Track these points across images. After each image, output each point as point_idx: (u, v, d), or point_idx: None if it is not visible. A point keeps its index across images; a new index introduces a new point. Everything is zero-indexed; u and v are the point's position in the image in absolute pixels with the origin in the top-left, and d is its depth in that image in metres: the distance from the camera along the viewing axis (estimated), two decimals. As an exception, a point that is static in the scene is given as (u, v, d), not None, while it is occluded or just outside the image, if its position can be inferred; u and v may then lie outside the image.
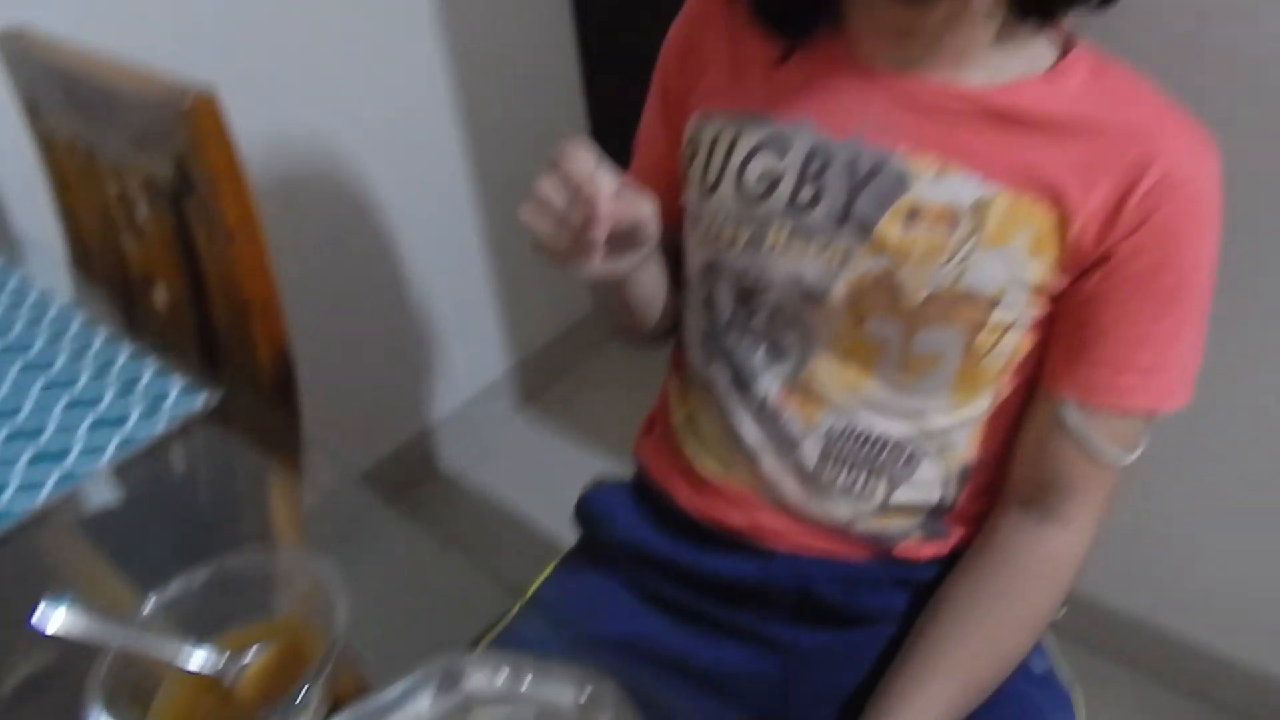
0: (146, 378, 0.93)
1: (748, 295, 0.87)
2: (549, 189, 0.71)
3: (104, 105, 1.04)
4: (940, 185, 0.77)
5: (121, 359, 0.96)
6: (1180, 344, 0.79)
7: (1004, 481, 0.88)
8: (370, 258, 1.77)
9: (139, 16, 1.32)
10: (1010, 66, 0.79)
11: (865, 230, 0.79)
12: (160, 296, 1.11)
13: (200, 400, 0.90)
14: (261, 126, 1.48)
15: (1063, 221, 0.76)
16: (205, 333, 1.08)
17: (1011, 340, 0.80)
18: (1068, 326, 0.80)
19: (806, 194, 0.82)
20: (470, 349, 2.04)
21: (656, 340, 1.02)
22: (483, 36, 1.81)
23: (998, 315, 0.78)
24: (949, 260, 0.77)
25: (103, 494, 0.84)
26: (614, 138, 1.02)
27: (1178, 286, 0.77)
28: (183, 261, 1.06)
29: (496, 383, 2.12)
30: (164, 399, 0.90)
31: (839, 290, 0.81)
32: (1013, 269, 0.77)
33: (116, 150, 1.07)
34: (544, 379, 2.21)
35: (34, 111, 1.17)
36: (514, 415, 2.16)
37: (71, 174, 1.17)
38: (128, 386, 0.92)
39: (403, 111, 1.73)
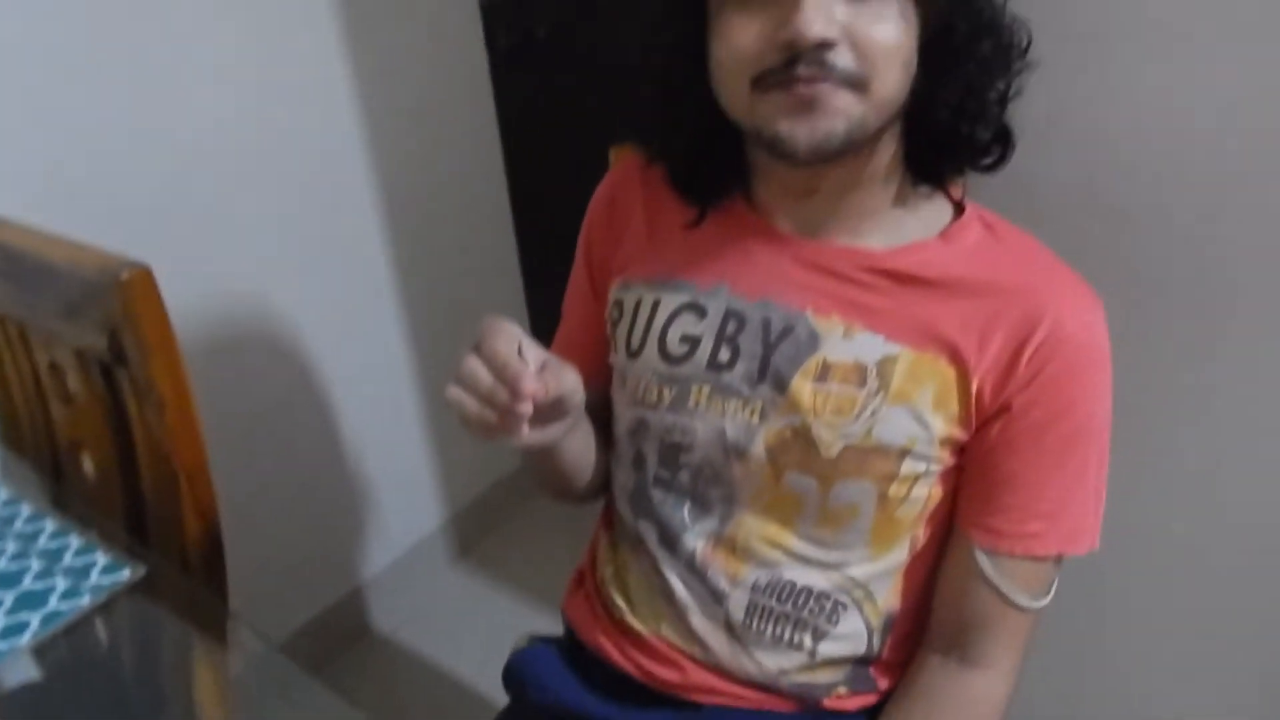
0: (70, 554, 0.92)
1: (673, 453, 0.90)
2: (473, 368, 0.73)
3: (38, 278, 1.06)
4: (848, 344, 0.82)
5: (45, 535, 0.95)
6: (1083, 489, 0.83)
7: (926, 628, 0.91)
8: (301, 417, 1.77)
9: (70, 189, 1.35)
10: (909, 229, 0.85)
11: (781, 387, 0.84)
12: (88, 465, 1.11)
13: (125, 574, 0.89)
14: (194, 293, 1.50)
15: (962, 376, 0.80)
16: (133, 502, 1.07)
17: (923, 490, 0.84)
18: (975, 475, 0.84)
19: (724, 354, 0.86)
20: (403, 504, 2.02)
21: (586, 500, 1.05)
22: (419, 204, 1.87)
23: (908, 467, 0.82)
24: (859, 415, 0.81)
25: (23, 672, 0.82)
26: (548, 305, 1.07)
27: (1074, 434, 0.81)
28: (112, 430, 1.06)
29: (429, 538, 2.10)
30: (88, 575, 0.89)
31: (758, 446, 0.85)
32: (918, 423, 0.81)
33: (50, 321, 1.08)
34: (477, 532, 2.19)
35: (-35, 284, 1.18)
36: (447, 571, 2.14)
37: (2, 345, 1.18)
38: (51, 563, 0.91)
39: (338, 272, 1.76)
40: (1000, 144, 0.84)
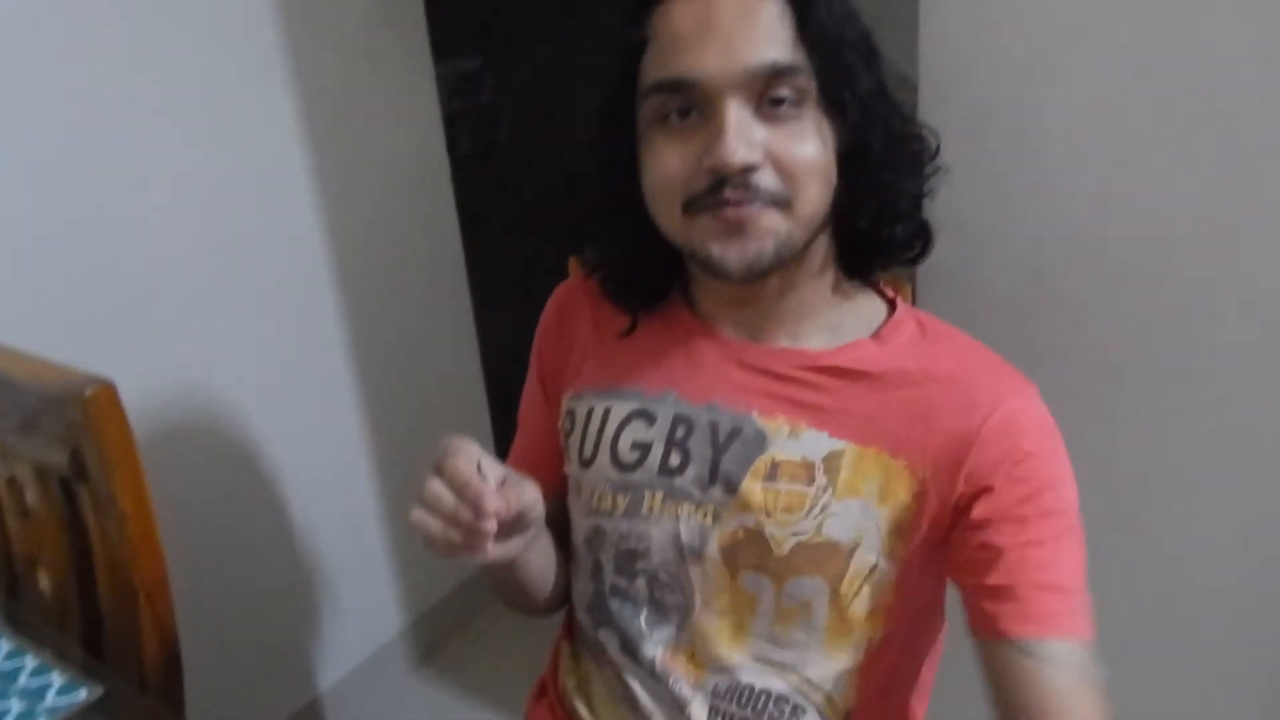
0: (25, 674, 0.91)
1: (629, 560, 0.91)
2: (436, 490, 0.74)
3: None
4: (794, 443, 0.85)
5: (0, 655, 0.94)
6: (1071, 559, 0.81)
7: None
8: (260, 521, 1.75)
9: (25, 295, 1.35)
10: (846, 328, 0.88)
11: (731, 489, 0.86)
12: (44, 582, 1.09)
13: (81, 695, 0.88)
14: (152, 398, 1.50)
15: (908, 467, 0.82)
16: (90, 619, 1.06)
17: (874, 587, 0.85)
18: (963, 566, 0.83)
19: (675, 459, 0.89)
20: (364, 609, 2.00)
21: (548, 612, 1.05)
22: (381, 309, 1.89)
23: (858, 562, 0.83)
24: (809, 512, 0.83)
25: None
26: (512, 411, 1.09)
27: (1047, 501, 0.81)
28: (70, 546, 1.05)
29: (390, 643, 2.06)
30: (43, 696, 0.88)
31: (713, 547, 0.87)
32: (866, 516, 0.83)
33: (8, 436, 1.08)
34: (439, 637, 2.16)
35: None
36: (408, 677, 2.10)
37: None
38: (5, 685, 0.89)
39: (299, 377, 1.77)
40: (920, 239, 0.90)
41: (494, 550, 0.76)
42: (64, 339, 1.13)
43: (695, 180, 0.79)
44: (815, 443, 0.85)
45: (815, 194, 0.80)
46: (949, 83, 0.86)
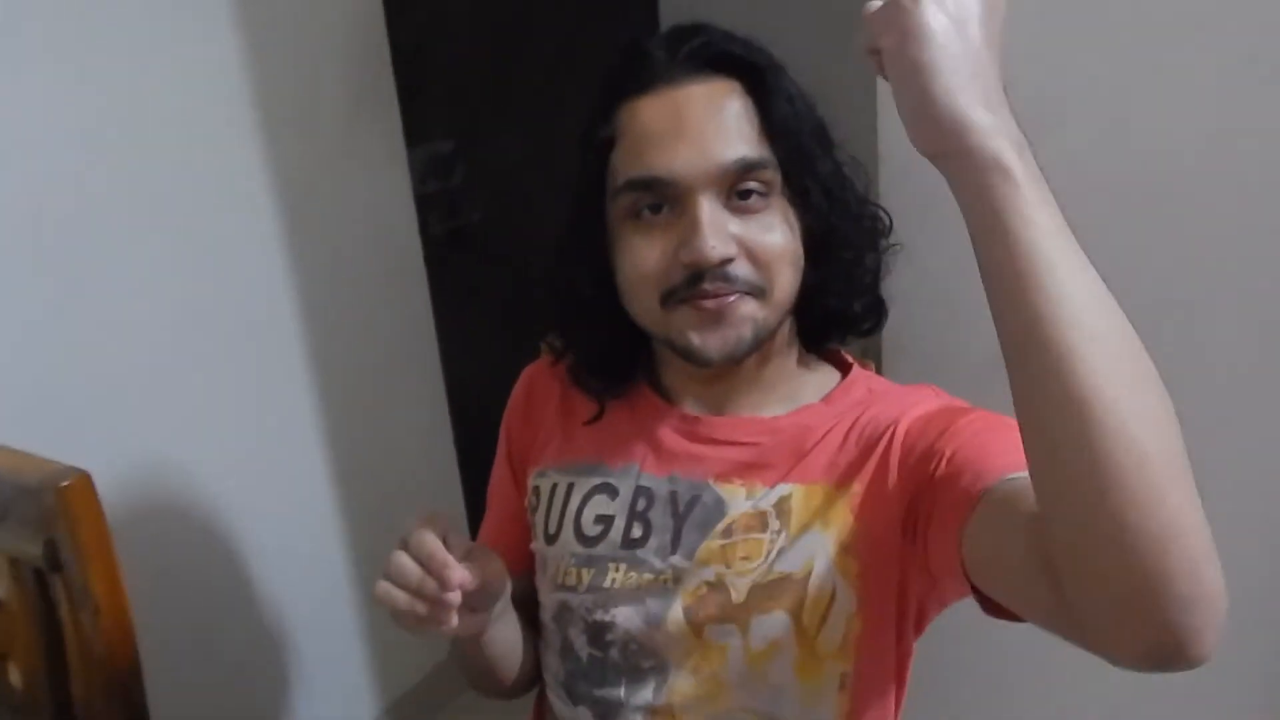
0: (-2, 771, 0.89)
1: (599, 633, 0.92)
2: (401, 562, 0.76)
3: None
4: (750, 502, 0.87)
5: (-30, 750, 0.92)
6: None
7: None
8: (234, 608, 1.73)
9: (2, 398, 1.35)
10: (803, 394, 0.92)
11: (690, 555, 0.87)
12: (15, 676, 1.08)
13: (55, 791, 0.86)
14: (125, 488, 1.49)
15: (843, 485, 0.85)
16: (62, 712, 1.04)
17: (840, 617, 0.85)
18: (939, 512, 0.78)
19: (637, 530, 0.91)
20: (338, 697, 1.96)
21: (516, 694, 1.05)
22: (355, 391, 1.90)
23: (814, 590, 0.84)
24: (767, 556, 0.85)
25: None
26: (484, 490, 1.10)
27: (970, 418, 0.80)
28: (43, 637, 1.04)
29: (365, 730, 2.03)
30: (16, 793, 0.86)
31: (677, 611, 0.88)
32: (815, 543, 0.85)
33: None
34: (416, 721, 2.13)
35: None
36: (384, 763, 2.06)
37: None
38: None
39: (273, 462, 1.77)
40: (874, 313, 0.95)
41: (460, 625, 0.78)
42: (36, 430, 1.13)
43: (672, 273, 0.83)
44: (767, 496, 0.87)
45: (787, 279, 0.85)
46: (909, 163, 0.90)
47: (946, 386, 0.94)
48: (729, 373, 0.90)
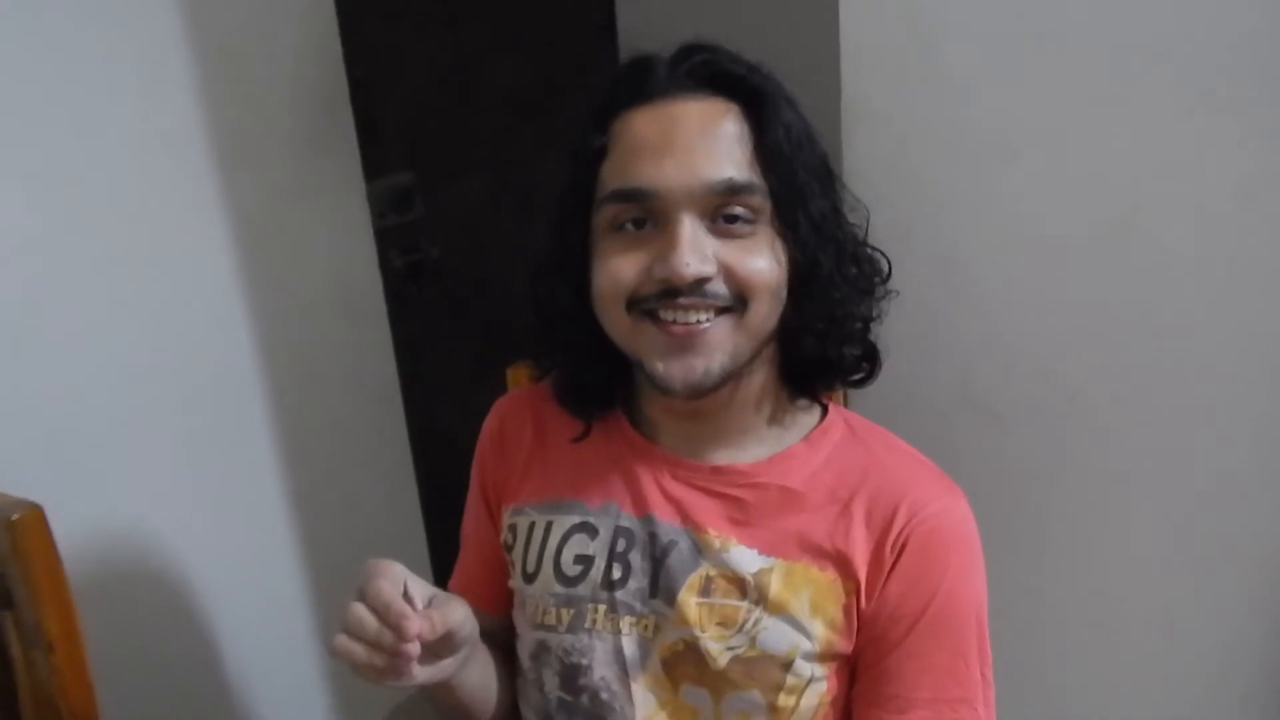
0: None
1: (573, 675, 0.90)
2: (359, 615, 0.72)
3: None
4: (726, 557, 0.85)
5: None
6: (966, 672, 0.84)
7: None
8: (191, 651, 1.69)
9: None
10: (782, 439, 0.90)
11: (670, 601, 0.86)
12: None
13: (6, 836, 0.83)
14: (81, 528, 1.45)
15: (842, 578, 0.84)
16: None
17: (812, 701, 0.85)
18: (862, 670, 0.86)
19: (617, 571, 0.89)
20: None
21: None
22: (314, 431, 1.87)
23: (793, 677, 0.84)
24: (742, 627, 0.84)
25: None
26: (448, 530, 1.07)
27: (946, 616, 0.83)
28: (-6, 678, 1.01)
29: (328, 773, 1.98)
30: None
31: (654, 660, 0.86)
32: (799, 631, 0.84)
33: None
34: (379, 764, 2.08)
35: None
36: (347, 808, 2.01)
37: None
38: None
39: (230, 503, 1.73)
40: (868, 362, 0.92)
41: (420, 673, 0.75)
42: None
43: (645, 287, 0.81)
44: (745, 558, 0.85)
45: (765, 306, 0.82)
46: (870, 206, 0.91)
47: (910, 424, 0.94)
48: (703, 410, 0.88)
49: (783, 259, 0.83)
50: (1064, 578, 1.17)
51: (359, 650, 0.72)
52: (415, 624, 0.70)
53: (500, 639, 0.99)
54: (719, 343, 0.81)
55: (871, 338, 0.92)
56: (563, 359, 0.94)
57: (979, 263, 1.09)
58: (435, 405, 2.13)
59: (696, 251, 0.78)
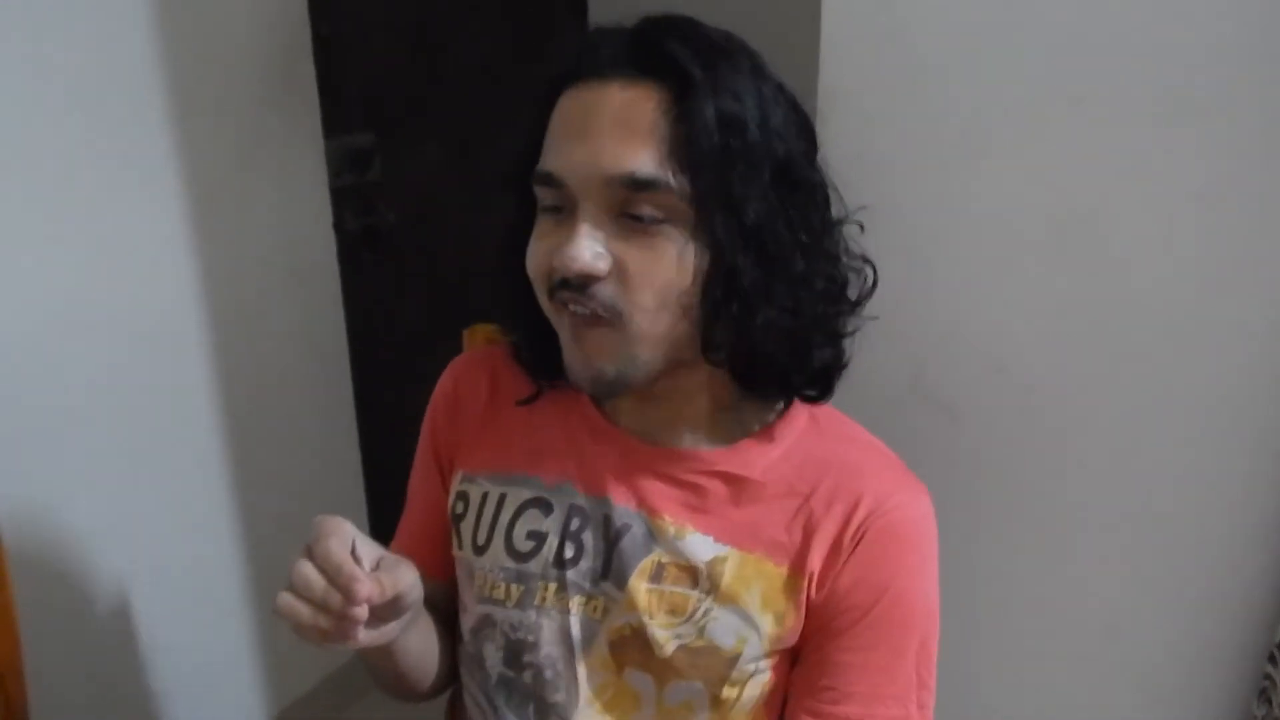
0: None
1: (518, 651, 0.88)
2: (306, 573, 0.69)
3: None
4: (680, 544, 0.84)
5: None
6: (902, 671, 0.84)
7: None
8: (117, 609, 1.65)
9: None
10: (744, 427, 0.88)
11: (620, 585, 0.84)
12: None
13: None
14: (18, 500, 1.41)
15: (792, 574, 0.83)
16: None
17: (754, 692, 0.85)
18: (802, 659, 0.86)
19: (570, 550, 0.87)
20: (224, 706, 1.88)
21: (429, 697, 1.01)
22: (257, 386, 1.83)
23: (739, 671, 0.83)
24: (691, 616, 0.83)
25: None
26: (389, 493, 1.04)
27: (891, 613, 0.83)
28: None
29: (250, 742, 1.95)
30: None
31: (601, 642, 0.85)
32: (747, 624, 0.83)
33: None
34: (305, 733, 2.05)
35: None
36: (271, 777, 1.98)
37: None
38: None
39: (167, 454, 1.68)
40: (818, 385, 0.87)
41: (366, 637, 0.72)
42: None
43: (551, 276, 0.78)
44: (700, 546, 0.84)
45: (652, 314, 0.76)
46: (845, 184, 0.91)
47: (860, 414, 0.93)
48: (659, 398, 0.85)
49: (693, 266, 0.76)
50: (1006, 573, 1.18)
51: (304, 610, 0.69)
52: (365, 587, 0.68)
53: (442, 606, 0.97)
54: (606, 349, 0.77)
55: (827, 357, 0.86)
56: (523, 325, 0.92)
57: (938, 255, 1.10)
58: (382, 369, 2.10)
59: (589, 246, 0.74)
